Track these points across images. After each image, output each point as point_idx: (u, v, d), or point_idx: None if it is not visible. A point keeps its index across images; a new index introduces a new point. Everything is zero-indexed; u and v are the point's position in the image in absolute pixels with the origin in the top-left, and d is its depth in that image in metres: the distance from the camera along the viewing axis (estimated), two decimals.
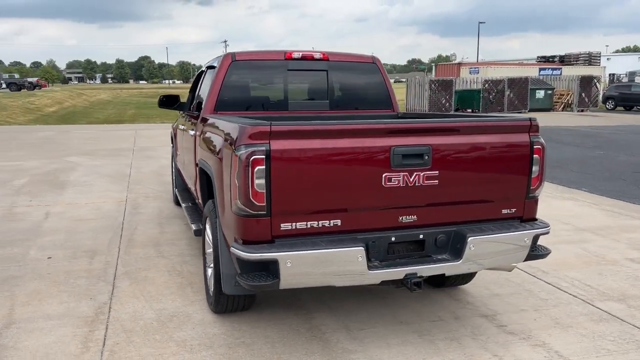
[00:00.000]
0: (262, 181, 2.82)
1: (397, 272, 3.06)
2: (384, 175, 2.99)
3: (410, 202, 3.10)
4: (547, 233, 3.40)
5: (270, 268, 2.85)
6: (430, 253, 3.20)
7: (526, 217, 3.42)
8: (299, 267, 2.84)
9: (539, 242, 3.45)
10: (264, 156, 2.80)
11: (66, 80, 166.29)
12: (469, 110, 27.36)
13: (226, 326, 3.64)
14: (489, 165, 3.26)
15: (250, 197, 2.82)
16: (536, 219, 3.49)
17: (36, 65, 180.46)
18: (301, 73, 4.78)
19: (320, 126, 2.98)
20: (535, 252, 3.37)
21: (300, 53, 4.69)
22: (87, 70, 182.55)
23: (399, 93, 40.13)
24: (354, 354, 3.29)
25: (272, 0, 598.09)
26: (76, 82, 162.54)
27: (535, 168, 3.35)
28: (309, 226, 2.95)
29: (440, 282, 4.24)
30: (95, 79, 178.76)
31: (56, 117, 26.81)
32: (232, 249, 2.93)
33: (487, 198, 3.30)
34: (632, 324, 3.72)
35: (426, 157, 3.06)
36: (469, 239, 3.12)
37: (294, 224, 2.93)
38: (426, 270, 3.12)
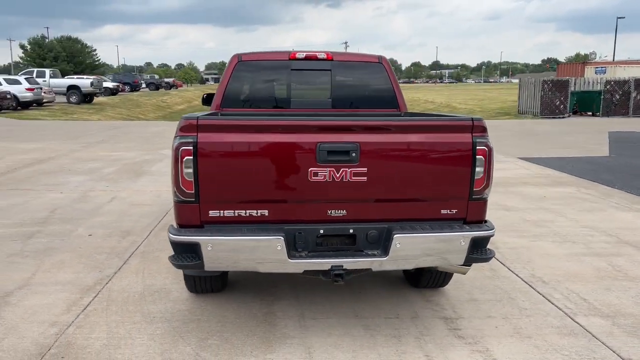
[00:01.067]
0: (191, 170, 3.09)
1: (321, 264, 3.18)
2: (309, 170, 3.13)
3: (339, 197, 3.20)
4: (488, 236, 3.32)
5: (195, 251, 3.12)
6: (362, 248, 3.27)
7: (470, 218, 3.35)
8: (219, 251, 3.09)
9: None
10: (191, 147, 3.08)
11: (203, 81, 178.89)
12: (589, 114, 25.45)
13: (194, 304, 3.98)
14: (425, 164, 3.26)
15: (181, 185, 3.12)
16: (484, 221, 3.40)
17: (179, 67, 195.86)
18: (305, 73, 4.98)
19: (246, 121, 3.19)
20: (476, 255, 3.30)
21: (304, 53, 4.90)
22: (221, 71, 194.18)
23: (512, 94, 37.97)
24: (290, 339, 3.46)
25: (401, 0, 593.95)
26: (212, 83, 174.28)
27: (478, 169, 3.27)
28: (236, 214, 3.18)
29: (416, 282, 4.24)
30: None
31: (182, 114, 29.03)
32: (167, 231, 3.24)
33: (423, 197, 3.29)
34: (602, 341, 3.48)
35: (353, 154, 3.14)
36: (395, 236, 3.15)
37: (222, 211, 3.17)
38: (351, 263, 3.20)
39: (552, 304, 4.06)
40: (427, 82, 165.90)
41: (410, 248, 3.19)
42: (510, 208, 7.12)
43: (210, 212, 3.17)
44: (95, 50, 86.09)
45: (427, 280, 4.15)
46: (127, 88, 47.37)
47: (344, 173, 3.15)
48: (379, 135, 3.21)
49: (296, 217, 3.22)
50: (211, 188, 3.14)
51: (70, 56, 77.95)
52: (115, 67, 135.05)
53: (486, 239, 3.35)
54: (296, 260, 3.15)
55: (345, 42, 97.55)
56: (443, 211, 3.31)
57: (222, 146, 3.11)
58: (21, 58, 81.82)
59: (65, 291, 4.19)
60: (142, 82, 52.22)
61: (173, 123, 22.21)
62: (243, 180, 3.15)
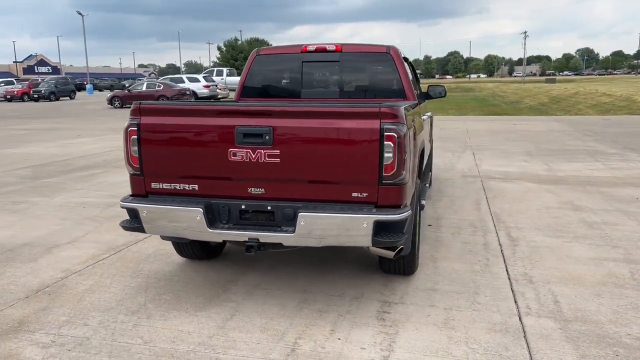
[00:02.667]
0: (136, 148, 3.68)
1: (239, 235, 3.54)
2: (229, 151, 3.51)
3: (256, 176, 3.52)
4: (395, 221, 3.35)
5: (137, 216, 3.70)
6: (280, 224, 3.55)
7: (382, 203, 3.42)
8: (152, 217, 3.62)
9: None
10: (136, 128, 3.66)
11: None
12: None
13: (180, 267, 4.59)
14: (335, 149, 3.41)
15: (130, 160, 3.72)
16: (398, 206, 3.43)
17: None
18: (316, 64, 5.29)
19: (177, 106, 3.67)
20: (383, 239, 3.36)
21: (315, 46, 5.21)
22: None
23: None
24: (228, 302, 3.87)
25: None
26: None
27: (387, 155, 3.33)
28: (172, 187, 3.69)
29: (386, 268, 4.31)
30: None
31: None
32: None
33: (334, 180, 3.45)
34: (528, 342, 3.30)
35: (267, 137, 3.44)
36: (299, 214, 3.38)
37: (161, 184, 3.71)
38: (265, 237, 3.51)
39: (515, 302, 3.87)
40: (629, 72, 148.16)
41: (314, 226, 3.39)
42: (578, 207, 6.55)
43: (152, 184, 3.72)
44: None
45: (387, 265, 4.22)
46: None
47: (259, 154, 3.46)
48: (290, 120, 3.45)
49: (221, 192, 3.62)
50: (151, 163, 3.68)
51: None
52: None
53: (394, 224, 3.38)
54: (216, 230, 3.55)
55: (524, 32, 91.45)
56: (354, 194, 3.44)
57: (158, 127, 3.64)
58: (217, 59, 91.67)
59: (96, 248, 5.09)
60: None
61: None
62: (176, 158, 3.64)
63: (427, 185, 6.19)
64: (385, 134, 3.31)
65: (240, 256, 4.81)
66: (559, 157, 10.55)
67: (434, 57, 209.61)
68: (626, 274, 4.39)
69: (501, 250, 4.98)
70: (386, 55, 5.07)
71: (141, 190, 3.75)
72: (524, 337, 3.35)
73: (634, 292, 4.02)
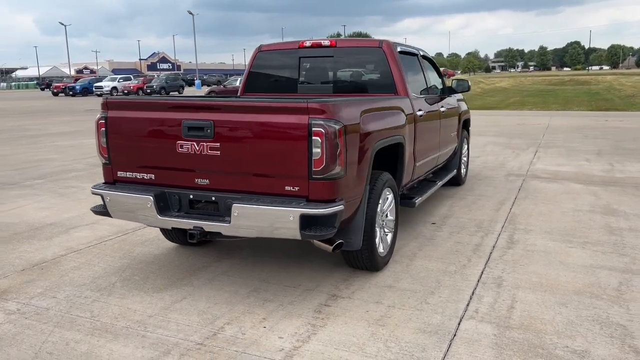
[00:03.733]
0: (104, 139, 4.02)
1: (185, 223, 3.76)
2: (177, 143, 3.73)
3: (201, 167, 3.71)
4: (321, 215, 3.39)
5: (103, 201, 4.04)
6: (224, 214, 3.72)
7: (313, 197, 3.46)
8: (113, 204, 3.94)
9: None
10: (104, 121, 3.99)
11: (489, 69, 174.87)
12: None
13: (165, 252, 4.90)
14: (268, 143, 3.50)
15: (100, 150, 4.07)
16: (331, 201, 3.46)
17: (469, 56, 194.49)
18: (312, 60, 5.37)
19: (135, 100, 3.94)
20: (310, 232, 3.41)
21: (311, 42, 5.30)
22: (508, 58, 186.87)
23: None
24: (188, 286, 4.09)
25: None
26: (498, 71, 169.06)
27: (316, 150, 3.38)
28: (134, 176, 3.98)
29: (349, 263, 4.33)
30: (517, 67, 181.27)
31: None
32: None
33: (267, 173, 3.54)
34: (452, 346, 3.20)
35: (208, 131, 3.62)
36: (233, 205, 3.53)
37: (125, 173, 4.01)
38: (208, 226, 3.69)
39: (467, 305, 3.74)
40: None
41: (246, 218, 3.52)
42: (612, 212, 6.07)
43: (119, 173, 4.04)
44: None
45: (349, 260, 4.24)
46: None
47: (202, 146, 3.65)
48: (228, 115, 3.60)
49: (172, 182, 3.85)
50: (117, 153, 4.00)
51: None
52: None
53: (321, 218, 3.42)
54: (166, 217, 3.80)
55: None
56: (287, 188, 3.51)
57: (122, 120, 3.94)
58: None
59: (107, 230, 5.56)
60: None
61: None
62: (136, 149, 3.93)
63: (435, 184, 6.03)
64: (313, 129, 3.35)
65: (225, 245, 5.03)
66: (630, 158, 9.72)
67: (550, 47, 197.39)
68: (613, 284, 4.06)
69: (490, 253, 4.78)
70: (378, 50, 5.03)
71: (110, 179, 4.08)
72: (450, 340, 3.25)
73: (606, 304, 3.72)
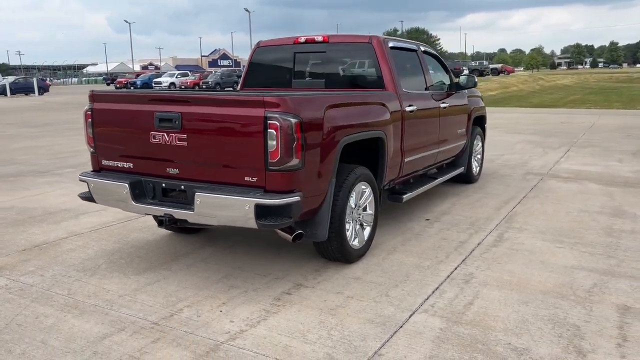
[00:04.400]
0: (91, 129, 4.29)
1: (157, 210, 3.97)
2: (150, 134, 3.94)
3: (171, 157, 3.90)
4: (273, 206, 3.50)
5: (88, 187, 4.30)
6: (190, 202, 3.90)
7: (269, 188, 3.58)
8: (96, 190, 4.20)
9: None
10: (90, 112, 4.26)
11: (554, 66, 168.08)
12: None
13: (158, 238, 5.15)
14: (228, 135, 3.65)
15: (87, 140, 4.34)
16: (287, 191, 3.56)
17: (533, 52, 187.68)
18: (306, 55, 5.47)
19: (113, 93, 4.17)
20: (266, 222, 3.52)
21: (305, 38, 5.41)
22: (575, 54, 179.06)
23: None
24: (164, 271, 4.30)
25: None
26: (564, 68, 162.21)
27: (271, 142, 3.49)
28: (115, 165, 4.23)
29: (321, 254, 4.42)
30: (585, 64, 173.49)
31: (487, 100, 28.23)
32: None
33: (229, 164, 3.69)
34: (393, 337, 3.24)
35: (176, 122, 3.80)
36: (196, 194, 3.70)
37: (108, 161, 4.26)
38: (177, 214, 3.89)
39: (426, 299, 3.76)
40: None
41: (207, 206, 3.68)
42: (620, 213, 5.86)
43: (103, 161, 4.29)
44: (439, 39, 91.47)
45: (320, 250, 4.33)
46: None
47: (171, 137, 3.85)
48: (194, 107, 3.77)
49: (147, 171, 4.06)
50: (101, 143, 4.26)
51: None
52: (467, 55, 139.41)
53: (276, 208, 3.53)
54: (139, 204, 4.02)
55: None
56: (247, 178, 3.65)
57: (105, 112, 4.19)
58: None
59: (113, 217, 5.87)
60: (464, 68, 53.27)
61: None
62: (117, 139, 4.17)
63: (433, 181, 6.01)
64: (269, 122, 3.46)
65: (214, 233, 5.23)
66: None
67: (623, 43, 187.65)
68: (587, 285, 3.97)
69: (473, 250, 4.74)
70: (367, 45, 5.08)
71: (96, 167, 4.35)
72: (395, 332, 3.30)
73: (570, 304, 3.65)
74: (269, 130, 3.46)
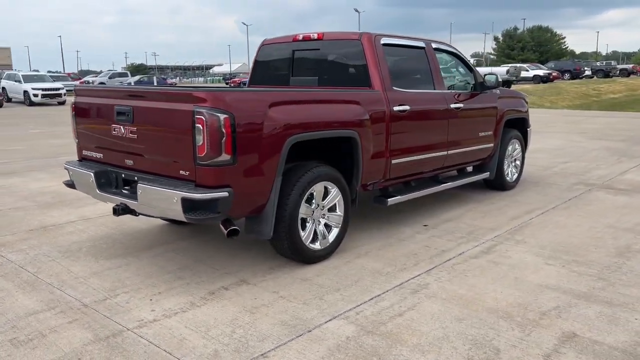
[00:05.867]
0: (74, 122, 4.62)
1: (115, 199, 4.19)
2: (111, 126, 4.17)
3: (126, 149, 4.09)
4: (197, 200, 3.53)
5: (70, 175, 4.63)
6: (136, 193, 4.05)
7: (199, 182, 3.62)
8: (74, 177, 4.51)
9: None
10: (74, 105, 4.59)
11: None
12: None
13: (149, 227, 5.39)
14: (166, 129, 3.75)
15: (73, 132, 4.68)
16: (216, 186, 3.57)
17: None
18: (302, 53, 5.45)
19: (90, 88, 4.43)
20: (193, 216, 3.57)
21: (302, 35, 5.40)
22: None
23: None
24: (136, 263, 4.45)
25: None
26: None
27: (198, 137, 3.54)
28: (91, 155, 4.51)
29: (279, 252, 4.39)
30: None
31: (605, 104, 25.84)
32: None
33: (168, 157, 3.79)
34: (292, 338, 3.18)
35: (129, 116, 3.98)
36: (137, 185, 3.86)
37: (86, 152, 4.56)
38: (129, 203, 4.07)
39: (356, 306, 3.61)
40: None
41: (147, 197, 3.81)
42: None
43: (84, 152, 4.60)
44: (564, 38, 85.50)
45: (275, 248, 4.30)
46: (566, 76, 46.02)
47: (126, 130, 4.03)
48: (141, 101, 3.92)
49: (112, 161, 4.29)
50: (80, 135, 4.56)
51: (537, 45, 79.93)
52: (602, 54, 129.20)
53: (201, 202, 3.56)
54: (102, 192, 4.25)
55: None
56: (181, 172, 3.72)
57: (83, 105, 4.48)
58: (493, 49, 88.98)
59: None
60: (586, 69, 49.32)
61: (575, 112, 20.49)
62: (90, 130, 4.44)
63: (437, 186, 5.70)
64: (196, 117, 3.51)
65: (201, 226, 5.37)
66: None
67: None
68: (545, 308, 3.57)
69: (448, 259, 4.46)
70: (357, 42, 4.94)
71: (80, 156, 4.66)
72: (299, 336, 3.20)
73: (509, 326, 3.31)
74: (196, 125, 3.51)
